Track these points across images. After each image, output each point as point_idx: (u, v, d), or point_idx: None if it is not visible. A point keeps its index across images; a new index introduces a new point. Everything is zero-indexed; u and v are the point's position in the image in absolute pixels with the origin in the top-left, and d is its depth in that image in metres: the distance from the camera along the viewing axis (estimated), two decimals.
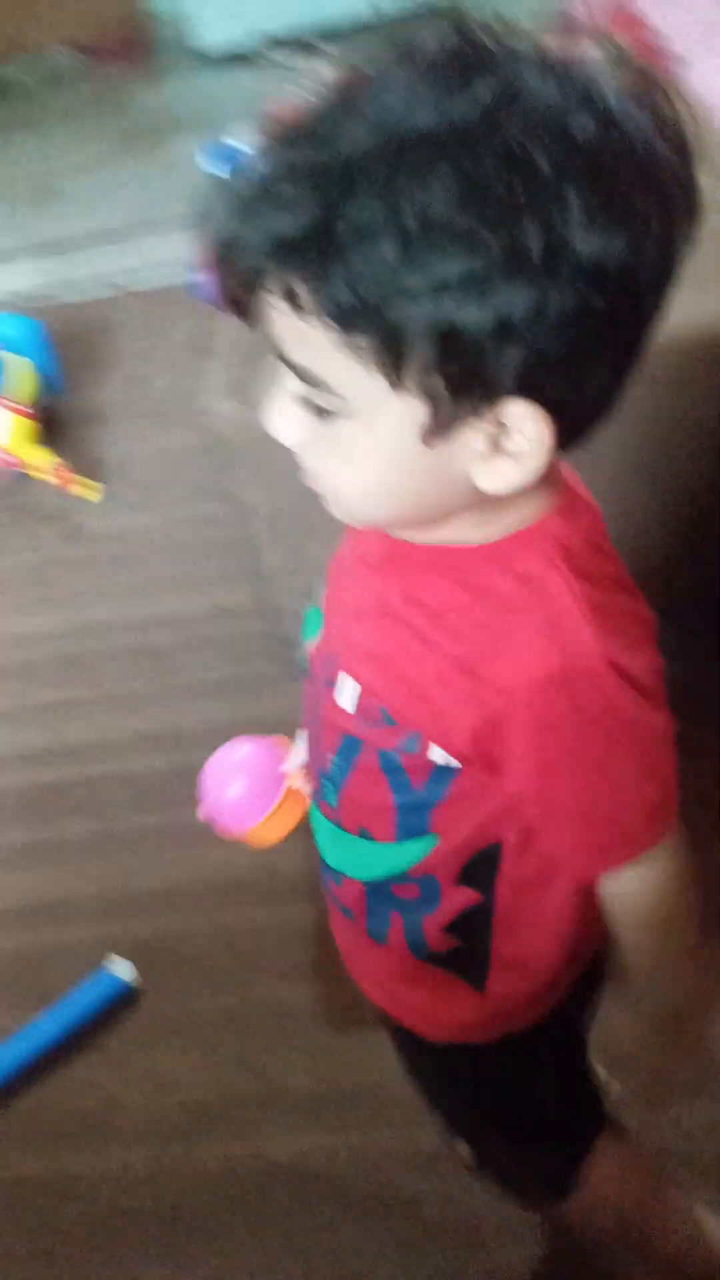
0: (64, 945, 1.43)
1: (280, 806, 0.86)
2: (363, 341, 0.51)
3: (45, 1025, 1.31)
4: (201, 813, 0.89)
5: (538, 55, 0.51)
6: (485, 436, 0.54)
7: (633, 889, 0.67)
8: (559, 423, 0.54)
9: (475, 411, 0.53)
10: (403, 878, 0.71)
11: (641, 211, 0.50)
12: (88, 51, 5.82)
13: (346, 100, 0.51)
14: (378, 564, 0.65)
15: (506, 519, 0.60)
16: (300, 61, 0.54)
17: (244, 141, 0.57)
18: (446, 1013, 0.77)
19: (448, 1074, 0.84)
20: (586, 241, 0.49)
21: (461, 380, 0.51)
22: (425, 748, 0.64)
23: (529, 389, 0.52)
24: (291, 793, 0.86)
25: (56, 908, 1.49)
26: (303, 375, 0.55)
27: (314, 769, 0.76)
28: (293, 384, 0.56)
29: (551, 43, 0.52)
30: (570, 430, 0.55)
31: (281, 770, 0.86)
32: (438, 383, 0.52)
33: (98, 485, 2.21)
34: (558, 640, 0.58)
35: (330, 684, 0.68)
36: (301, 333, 0.52)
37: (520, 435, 0.54)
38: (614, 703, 0.59)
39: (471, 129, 0.48)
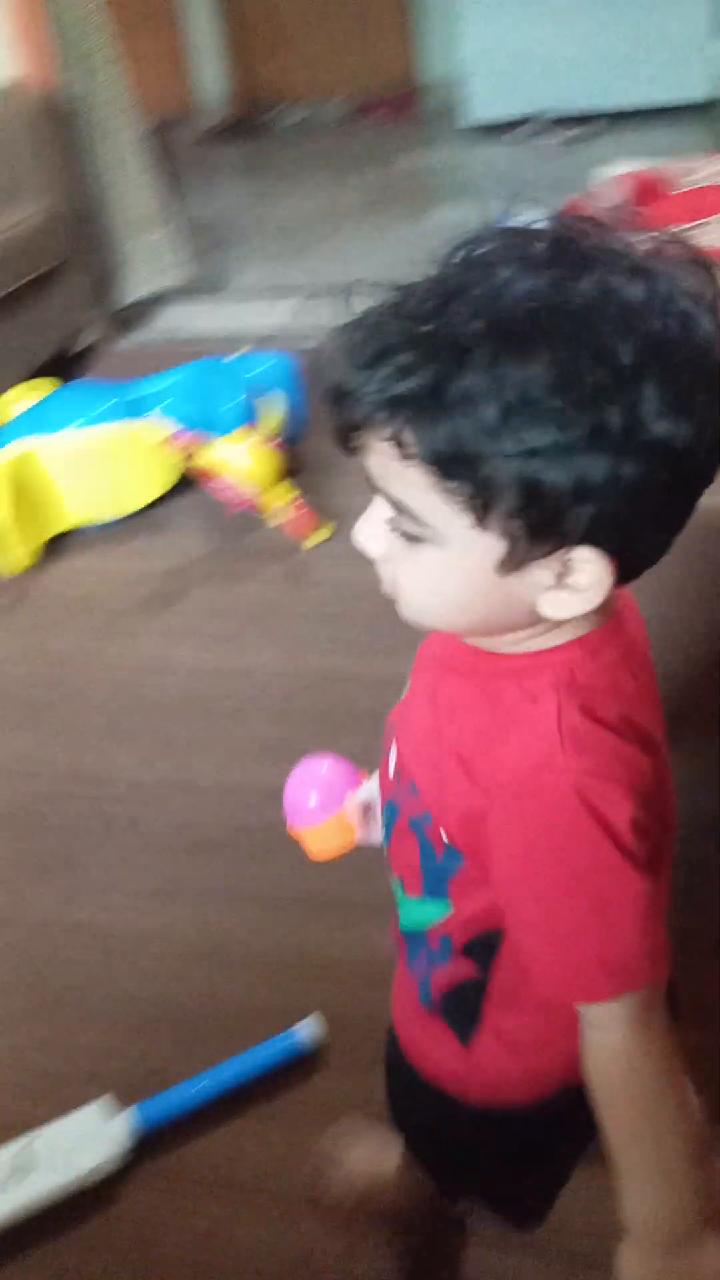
0: (261, 1000, 1.41)
1: (330, 824, 0.93)
2: (456, 486, 0.59)
3: (225, 1072, 1.30)
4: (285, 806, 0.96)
5: (628, 256, 0.59)
6: (553, 573, 0.62)
7: (596, 1039, 0.68)
8: (617, 566, 0.62)
9: (547, 553, 0.61)
10: (424, 932, 0.79)
11: (703, 403, 0.58)
12: (362, 108, 6.05)
13: (465, 280, 0.59)
14: (435, 659, 0.75)
15: (538, 640, 0.67)
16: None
17: (529, 216, 0.60)
18: (435, 1055, 0.84)
19: (428, 1113, 0.88)
20: (658, 425, 0.57)
21: (539, 528, 0.60)
22: (436, 825, 0.72)
23: (596, 539, 0.60)
24: (343, 817, 0.93)
25: (266, 958, 1.48)
26: (397, 506, 0.63)
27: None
28: (385, 509, 0.64)
29: (639, 243, 0.60)
30: (625, 572, 0.63)
31: (348, 795, 0.93)
32: (518, 527, 0.60)
33: (330, 525, 2.24)
34: (534, 754, 0.64)
35: (390, 746, 0.79)
36: (402, 470, 0.60)
37: (583, 575, 0.62)
38: (576, 832, 0.63)
39: (569, 323, 0.56)
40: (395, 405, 0.58)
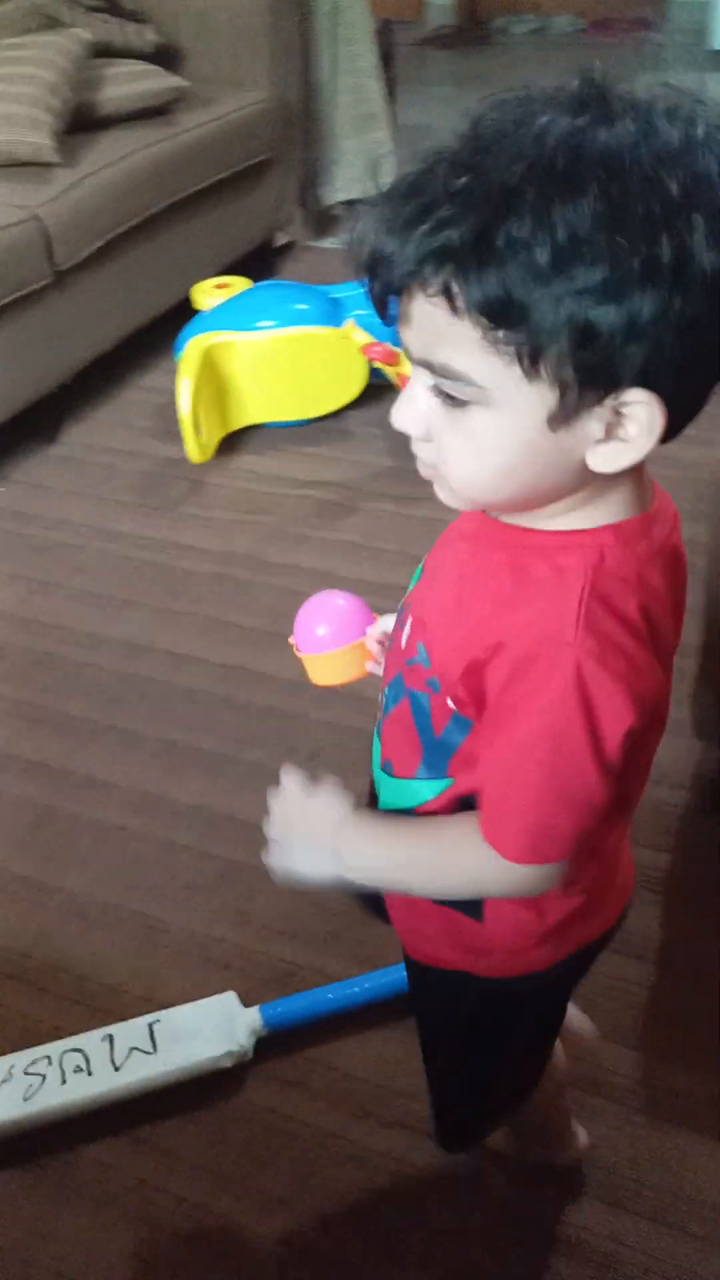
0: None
1: (341, 653, 0.96)
2: (507, 335, 0.57)
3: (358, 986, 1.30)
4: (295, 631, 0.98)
5: (663, 101, 0.59)
6: (603, 423, 0.61)
7: (476, 857, 0.73)
8: (666, 413, 0.60)
9: (599, 399, 0.60)
10: (411, 813, 0.80)
11: None
12: (595, 24, 5.78)
13: (500, 129, 0.58)
14: (464, 536, 0.74)
15: (574, 517, 0.67)
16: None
17: None
18: (447, 940, 0.84)
19: (442, 996, 0.90)
20: (708, 257, 0.56)
21: (591, 371, 0.58)
22: (443, 693, 0.72)
23: (647, 381, 0.59)
24: (357, 647, 0.96)
25: None
26: (444, 370, 0.61)
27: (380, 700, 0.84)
28: (427, 379, 0.63)
29: (668, 95, 0.60)
30: (673, 422, 0.62)
31: (364, 630, 0.95)
32: (569, 373, 0.58)
33: None
34: (549, 623, 0.64)
35: (403, 625, 0.78)
36: (450, 329, 0.59)
37: (634, 422, 0.61)
38: (564, 714, 0.64)
39: (613, 159, 0.55)
40: (441, 257, 0.57)
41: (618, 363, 0.58)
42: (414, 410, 0.65)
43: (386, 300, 0.62)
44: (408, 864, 0.79)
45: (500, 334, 0.58)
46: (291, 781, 0.83)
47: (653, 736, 0.71)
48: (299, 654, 0.98)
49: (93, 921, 1.43)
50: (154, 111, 2.70)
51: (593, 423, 0.61)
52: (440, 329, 0.60)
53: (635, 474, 0.66)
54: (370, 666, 0.95)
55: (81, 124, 2.52)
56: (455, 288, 0.57)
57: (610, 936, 0.87)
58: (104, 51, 2.67)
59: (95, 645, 1.90)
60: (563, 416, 0.60)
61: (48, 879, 1.49)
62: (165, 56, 2.88)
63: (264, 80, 2.99)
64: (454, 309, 0.58)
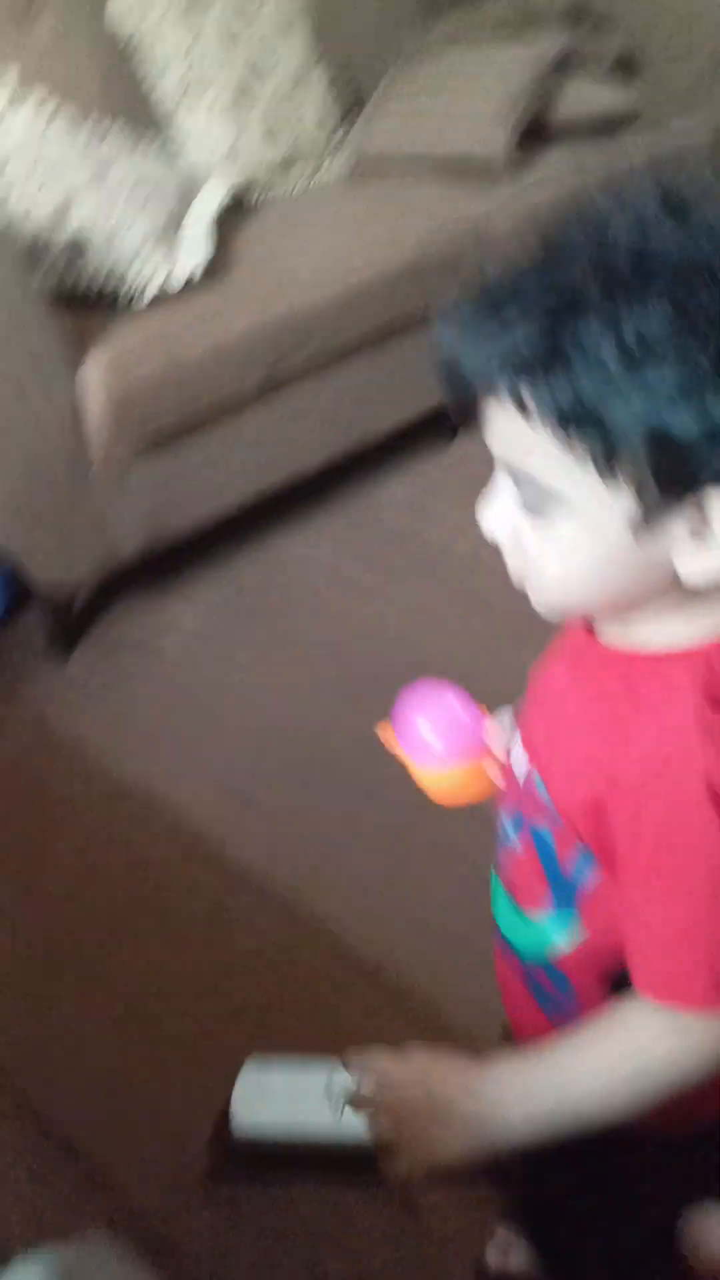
0: None
1: (465, 770, 0.83)
2: (582, 442, 0.57)
3: None
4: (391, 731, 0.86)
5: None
6: (688, 526, 0.59)
7: (648, 1031, 0.65)
8: None
9: (679, 502, 0.58)
10: (545, 964, 0.73)
11: None
12: None
13: (567, 231, 0.58)
14: (567, 656, 0.72)
15: (676, 628, 0.64)
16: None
17: None
18: None
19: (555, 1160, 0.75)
20: None
21: (670, 477, 0.57)
22: (567, 829, 0.68)
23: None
24: (479, 766, 0.83)
25: None
26: (524, 477, 0.61)
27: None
28: (510, 486, 0.63)
29: None
30: None
31: (480, 736, 0.83)
32: (648, 479, 0.57)
33: None
34: (667, 747, 0.61)
35: (516, 747, 0.74)
36: (526, 436, 0.58)
37: (711, 518, 0.59)
38: (705, 827, 0.60)
39: (677, 259, 0.55)
40: (508, 362, 0.57)
41: (697, 466, 0.56)
42: (499, 516, 0.64)
43: (462, 407, 0.61)
44: (565, 1084, 0.67)
45: (576, 441, 0.57)
46: (391, 1061, 0.71)
47: None
48: (415, 765, 0.85)
49: None
50: (600, 129, 2.68)
51: (678, 527, 0.59)
52: (519, 435, 0.59)
53: None
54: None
55: (527, 134, 2.54)
56: (525, 395, 0.57)
57: None
58: (567, 61, 2.67)
59: None
60: (644, 523, 0.59)
61: None
62: (621, 67, 2.85)
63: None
64: (528, 416, 0.57)
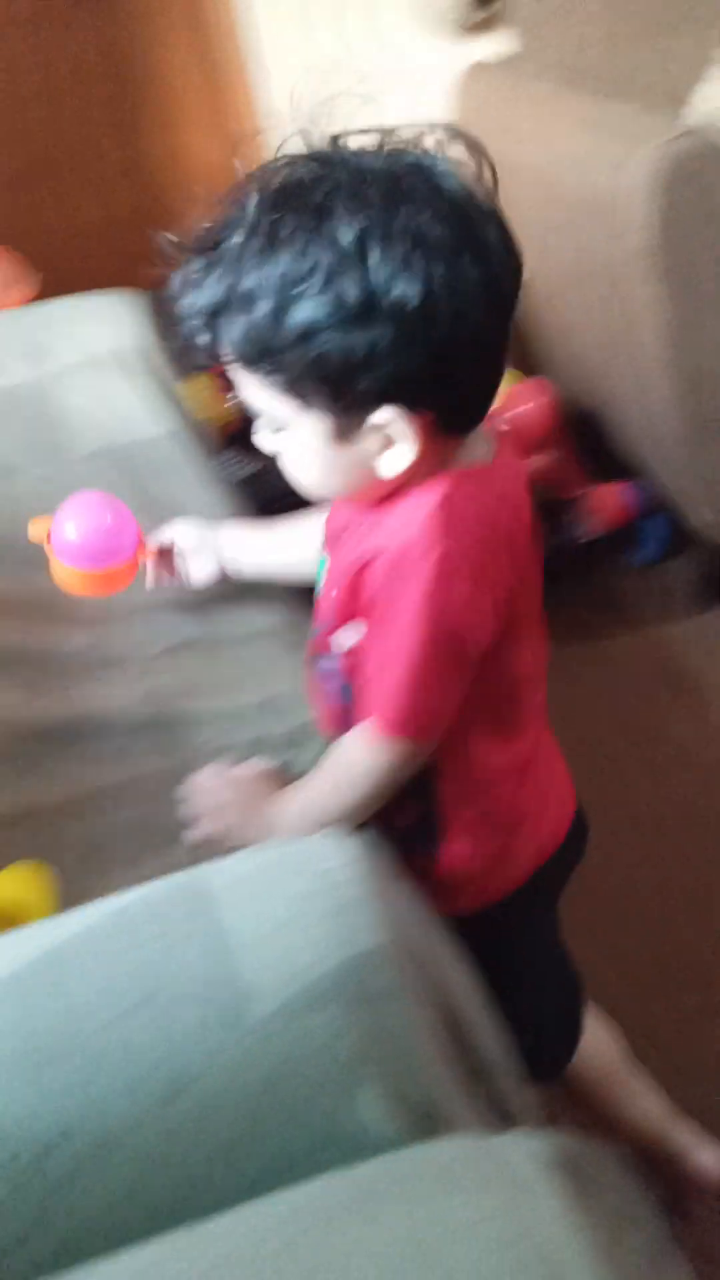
0: None
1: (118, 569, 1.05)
2: (269, 378, 0.75)
3: None
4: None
5: (362, 158, 0.73)
6: (377, 439, 0.76)
7: (355, 750, 0.85)
8: (432, 418, 0.75)
9: (361, 420, 0.75)
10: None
11: (424, 264, 0.69)
12: None
13: (232, 206, 0.73)
14: (342, 508, 0.89)
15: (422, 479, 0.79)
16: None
17: None
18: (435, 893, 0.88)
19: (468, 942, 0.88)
20: (397, 288, 0.69)
21: (339, 399, 0.74)
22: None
23: (393, 399, 0.74)
24: (133, 565, 1.05)
25: None
26: (251, 409, 0.79)
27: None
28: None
29: (384, 145, 0.74)
30: (451, 421, 0.77)
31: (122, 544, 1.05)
32: (325, 402, 0.74)
33: None
34: (412, 530, 0.78)
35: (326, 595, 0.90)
36: (239, 375, 0.77)
37: (397, 435, 0.75)
38: (416, 585, 0.77)
39: (301, 219, 0.70)
40: (207, 318, 0.75)
41: (358, 389, 0.73)
42: (261, 440, 0.82)
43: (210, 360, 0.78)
44: (320, 792, 0.88)
45: (265, 377, 0.74)
46: (219, 767, 0.94)
47: (511, 645, 0.83)
48: (55, 557, 1.04)
49: None
50: None
51: (368, 438, 0.76)
52: (237, 375, 0.78)
53: (460, 443, 0.80)
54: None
55: None
56: (221, 341, 0.75)
57: (568, 859, 0.98)
58: None
59: None
60: (340, 436, 0.76)
61: None
62: None
63: None
64: (228, 361, 0.76)
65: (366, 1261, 0.46)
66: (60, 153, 2.16)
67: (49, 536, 1.06)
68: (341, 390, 0.73)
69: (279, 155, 0.74)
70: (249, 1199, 0.55)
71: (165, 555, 1.09)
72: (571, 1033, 1.04)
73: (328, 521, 0.93)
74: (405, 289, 0.69)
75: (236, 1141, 0.57)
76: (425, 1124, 0.58)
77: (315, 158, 0.73)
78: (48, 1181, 0.55)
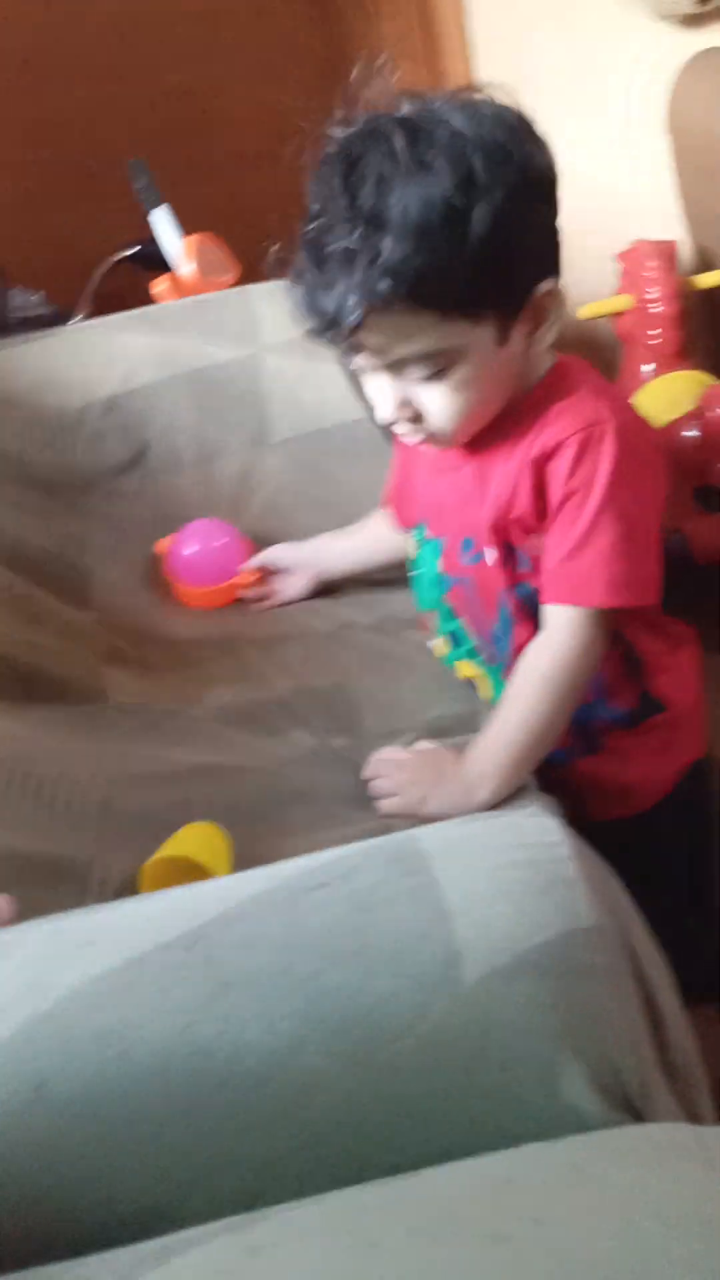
0: None
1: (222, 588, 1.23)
2: (444, 307, 0.80)
3: None
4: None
5: (454, 104, 0.82)
6: (529, 321, 0.85)
7: (554, 626, 0.89)
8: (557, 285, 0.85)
9: (522, 304, 0.84)
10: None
11: (544, 144, 0.83)
12: None
13: (353, 177, 0.79)
14: (454, 465, 0.96)
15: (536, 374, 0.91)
16: None
17: None
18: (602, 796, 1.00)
19: (633, 849, 0.86)
20: (538, 165, 0.83)
21: (511, 290, 0.83)
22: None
23: (548, 269, 0.84)
24: (234, 585, 1.23)
25: None
26: (415, 358, 0.83)
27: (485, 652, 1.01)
28: (389, 382, 0.86)
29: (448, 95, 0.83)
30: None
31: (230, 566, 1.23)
32: (497, 299, 0.82)
33: None
34: (586, 417, 0.87)
35: (475, 559, 0.96)
36: (409, 324, 0.80)
37: (544, 308, 0.85)
38: (607, 459, 0.85)
39: (443, 141, 0.78)
40: (364, 282, 0.77)
41: (525, 272, 0.83)
42: (391, 404, 0.86)
43: (351, 341, 0.81)
44: (513, 725, 0.89)
45: (443, 308, 0.80)
46: (397, 749, 0.94)
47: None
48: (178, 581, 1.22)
49: None
50: None
51: (523, 325, 0.85)
52: (402, 328, 0.81)
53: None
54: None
55: None
56: (400, 290, 0.77)
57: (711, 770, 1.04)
58: None
59: None
60: (502, 336, 0.84)
61: None
62: None
63: None
64: (408, 307, 0.79)
65: (581, 1243, 0.45)
66: (274, 140, 2.20)
67: (166, 555, 1.25)
68: (514, 276, 0.81)
69: (353, 117, 0.83)
70: (441, 1161, 0.55)
71: (264, 578, 1.24)
72: None
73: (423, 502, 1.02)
74: (547, 160, 0.82)
75: (432, 1103, 0.57)
76: (627, 1110, 0.57)
77: (411, 98, 0.82)
78: (254, 1115, 0.56)
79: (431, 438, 0.90)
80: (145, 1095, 0.55)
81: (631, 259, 1.90)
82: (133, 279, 1.97)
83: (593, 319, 1.89)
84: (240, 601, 1.24)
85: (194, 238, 1.72)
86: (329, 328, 0.81)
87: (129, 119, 2.23)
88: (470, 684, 1.06)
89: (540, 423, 0.89)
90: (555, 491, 0.88)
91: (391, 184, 0.77)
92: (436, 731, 0.99)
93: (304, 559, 1.23)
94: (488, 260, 0.78)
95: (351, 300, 0.78)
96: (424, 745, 0.96)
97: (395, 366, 0.84)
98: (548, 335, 0.87)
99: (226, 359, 1.41)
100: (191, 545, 1.25)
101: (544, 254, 0.84)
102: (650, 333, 1.86)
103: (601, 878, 0.64)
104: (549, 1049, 0.56)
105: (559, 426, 0.87)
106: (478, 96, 0.84)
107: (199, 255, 1.69)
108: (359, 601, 1.23)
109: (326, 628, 1.20)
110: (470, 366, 0.84)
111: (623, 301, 1.88)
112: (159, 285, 1.65)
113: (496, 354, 0.85)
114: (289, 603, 1.23)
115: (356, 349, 0.83)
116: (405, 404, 0.86)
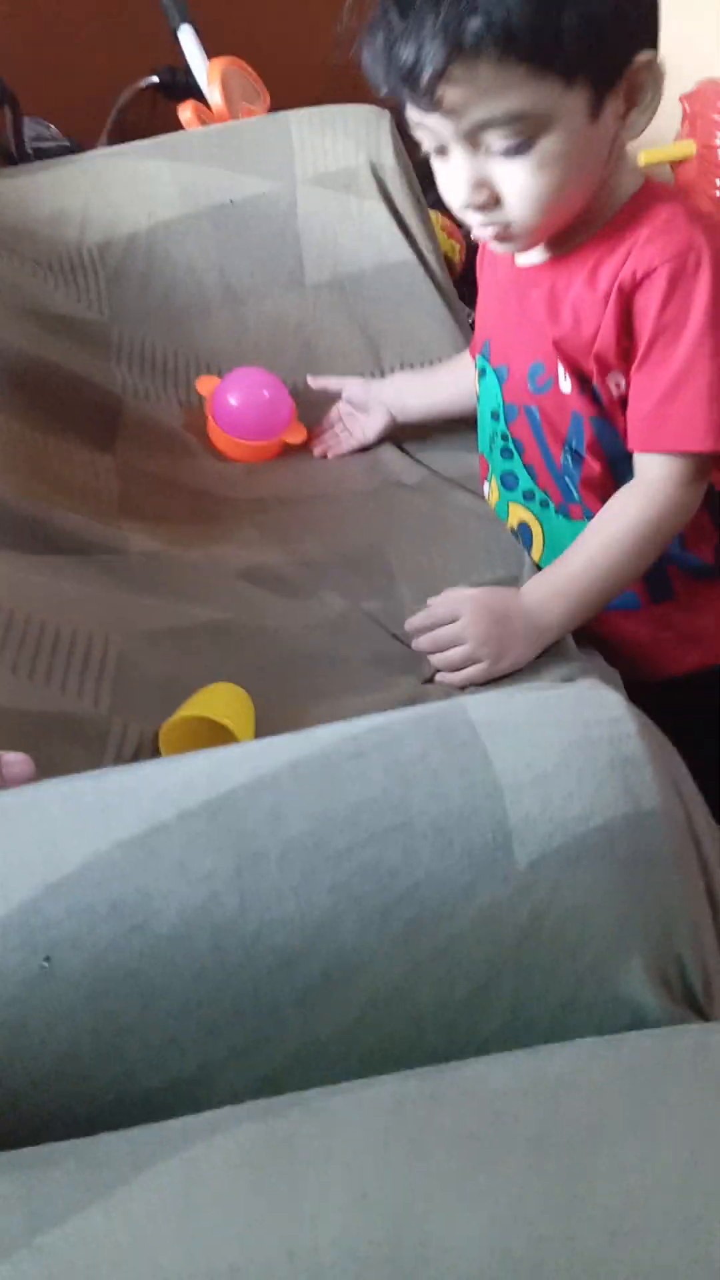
0: None
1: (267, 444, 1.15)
2: (542, 59, 0.73)
3: None
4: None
5: None
6: (622, 99, 0.79)
7: (650, 477, 0.84)
8: (653, 59, 0.79)
9: (618, 75, 0.78)
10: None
11: None
12: None
13: None
14: (529, 280, 0.90)
15: (615, 201, 0.85)
16: None
17: None
18: (669, 647, 0.97)
19: (712, 700, 0.95)
20: None
21: (609, 54, 0.76)
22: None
23: (645, 39, 0.78)
24: (280, 442, 1.16)
25: None
26: (504, 119, 0.76)
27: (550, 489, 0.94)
28: (472, 160, 0.79)
29: None
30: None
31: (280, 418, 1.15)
32: (595, 65, 0.75)
33: None
34: (677, 236, 0.81)
35: (543, 389, 0.89)
36: (499, 79, 0.74)
37: (645, 84, 0.79)
38: (704, 291, 0.79)
39: None
40: (472, 15, 0.71)
41: (623, 36, 0.76)
42: (467, 185, 0.80)
43: (433, 88, 0.74)
44: (595, 567, 0.85)
45: (537, 61, 0.73)
46: (440, 605, 0.86)
47: None
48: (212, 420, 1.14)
49: None
50: None
51: (617, 102, 0.79)
52: (493, 83, 0.74)
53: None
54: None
55: None
56: (491, 42, 0.71)
57: None
58: None
59: None
60: (594, 109, 0.77)
61: None
62: None
63: None
64: (502, 57, 0.73)
65: (641, 1161, 0.41)
66: None
67: (211, 400, 1.16)
68: (614, 37, 0.75)
69: None
70: (483, 1052, 0.51)
71: (335, 423, 1.17)
72: None
73: (484, 336, 0.96)
74: None
75: (481, 989, 0.53)
76: (690, 1006, 0.53)
77: None
78: (285, 994, 0.51)
79: (507, 231, 0.82)
80: (164, 971, 0.51)
81: (697, 101, 1.76)
82: (158, 109, 1.84)
83: (652, 167, 1.76)
84: (284, 454, 1.18)
85: (219, 61, 1.59)
86: (406, 81, 0.74)
87: None
88: (517, 536, 0.99)
89: (626, 245, 0.83)
90: (644, 326, 0.82)
91: None
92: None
93: (381, 397, 1.15)
94: (588, 13, 0.73)
95: (435, 44, 0.71)
96: (463, 591, 0.89)
97: (475, 134, 0.77)
98: (642, 119, 0.81)
99: (258, 193, 1.30)
100: (236, 395, 1.17)
101: (644, 21, 0.78)
102: (717, 181, 1.74)
103: (666, 756, 0.58)
104: (607, 941, 0.52)
105: (649, 252, 0.81)
106: None
107: (225, 80, 1.56)
108: (404, 459, 1.16)
109: (364, 487, 1.13)
110: (558, 139, 0.77)
111: (686, 148, 1.75)
112: (184, 112, 1.53)
113: (587, 130, 0.78)
114: (365, 448, 1.16)
115: (435, 107, 0.75)
116: (481, 184, 0.80)
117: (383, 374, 1.24)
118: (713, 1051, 0.46)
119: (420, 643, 0.87)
